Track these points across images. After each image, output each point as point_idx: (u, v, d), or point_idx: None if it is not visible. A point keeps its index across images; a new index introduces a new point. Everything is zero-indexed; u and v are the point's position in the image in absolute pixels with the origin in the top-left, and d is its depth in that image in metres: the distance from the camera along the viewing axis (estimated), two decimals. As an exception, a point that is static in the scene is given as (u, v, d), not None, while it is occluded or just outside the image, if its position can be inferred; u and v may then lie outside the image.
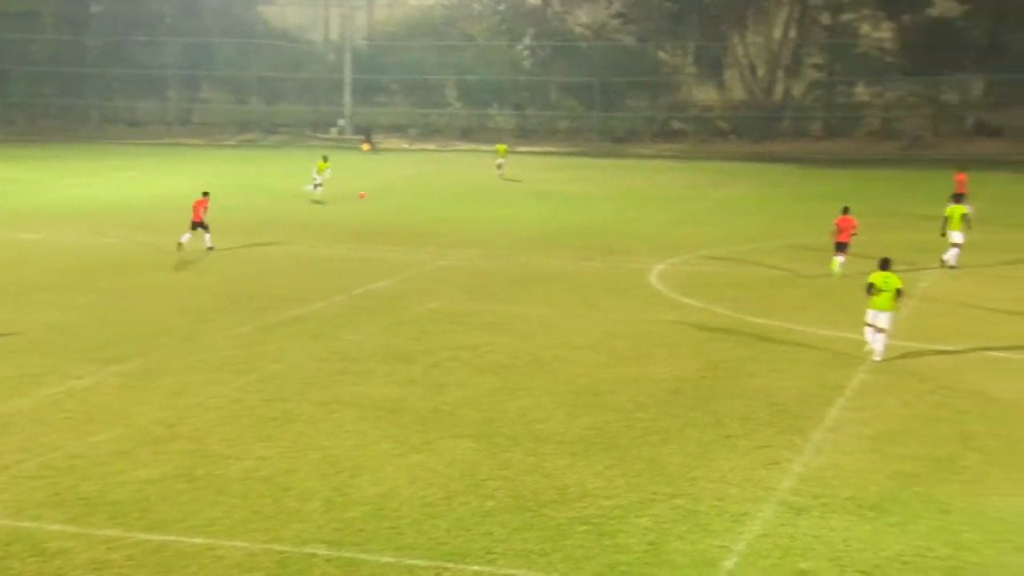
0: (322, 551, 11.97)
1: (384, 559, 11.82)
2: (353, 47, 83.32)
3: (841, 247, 28.65)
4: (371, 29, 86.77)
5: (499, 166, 55.89)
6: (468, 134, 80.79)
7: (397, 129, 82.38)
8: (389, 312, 24.28)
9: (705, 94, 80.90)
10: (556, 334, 22.40)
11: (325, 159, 46.79)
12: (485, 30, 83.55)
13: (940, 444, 15.71)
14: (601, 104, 79.41)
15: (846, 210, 29.40)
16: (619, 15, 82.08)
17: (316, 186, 44.90)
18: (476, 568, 11.67)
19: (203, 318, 23.40)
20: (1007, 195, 47.79)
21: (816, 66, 78.30)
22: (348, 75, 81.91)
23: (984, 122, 73.05)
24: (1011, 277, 28.90)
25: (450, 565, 11.72)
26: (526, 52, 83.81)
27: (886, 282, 20.01)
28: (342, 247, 33.50)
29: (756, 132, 76.13)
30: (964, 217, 30.13)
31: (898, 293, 20.01)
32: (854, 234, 28.73)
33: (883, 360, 20.05)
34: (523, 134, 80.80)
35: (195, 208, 32.08)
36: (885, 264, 20.46)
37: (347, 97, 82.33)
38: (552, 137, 79.54)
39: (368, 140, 74.65)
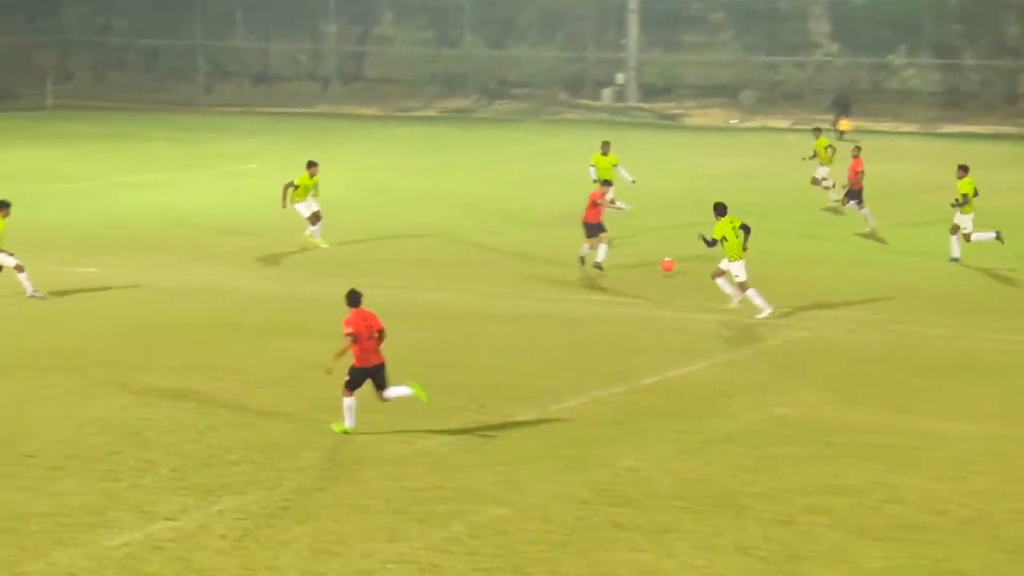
0: None
1: None
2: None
3: None
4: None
5: None
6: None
7: (721, 92, 64.57)
8: (698, 420, 19.42)
9: None
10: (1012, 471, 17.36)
11: (818, 131, 38.38)
12: None
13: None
14: None
15: None
16: None
17: (826, 184, 37.19)
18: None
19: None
20: None
21: None
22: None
23: None
24: None
25: None
26: None
27: (732, 224, 23.34)
28: (606, 298, 27.14)
29: None
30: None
31: (745, 230, 23.36)
32: None
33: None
34: None
35: (591, 207, 28.38)
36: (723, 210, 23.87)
37: (632, 35, 66.85)
38: None
39: (846, 114, 58.93)
